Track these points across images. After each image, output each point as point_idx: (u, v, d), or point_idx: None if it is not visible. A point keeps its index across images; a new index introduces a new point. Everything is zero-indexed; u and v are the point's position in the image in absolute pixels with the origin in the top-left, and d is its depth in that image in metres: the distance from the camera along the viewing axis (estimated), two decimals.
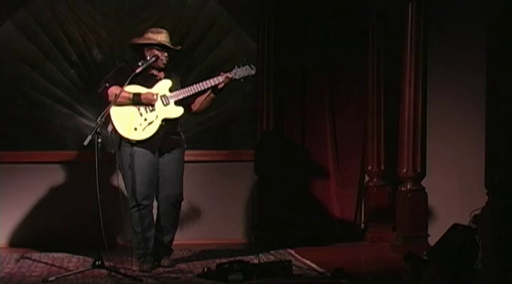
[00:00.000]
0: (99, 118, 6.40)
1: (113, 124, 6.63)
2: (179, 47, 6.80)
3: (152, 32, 6.71)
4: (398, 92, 7.60)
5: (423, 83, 7.42)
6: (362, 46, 8.32)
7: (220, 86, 6.69)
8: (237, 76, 6.71)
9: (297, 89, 8.32)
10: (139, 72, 6.63)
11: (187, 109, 6.81)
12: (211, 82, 6.67)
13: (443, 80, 7.97)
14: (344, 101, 8.37)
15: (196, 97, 6.76)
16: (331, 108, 8.34)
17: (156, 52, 6.67)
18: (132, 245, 6.75)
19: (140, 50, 6.73)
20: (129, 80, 6.52)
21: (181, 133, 6.83)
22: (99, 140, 6.33)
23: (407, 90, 7.43)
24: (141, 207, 6.64)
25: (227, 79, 6.67)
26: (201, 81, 6.69)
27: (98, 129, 6.33)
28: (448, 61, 8.04)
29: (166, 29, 6.81)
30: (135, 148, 6.62)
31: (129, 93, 6.60)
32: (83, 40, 8.23)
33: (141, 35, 6.79)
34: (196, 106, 6.83)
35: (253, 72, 6.75)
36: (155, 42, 6.66)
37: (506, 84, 6.35)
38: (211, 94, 6.75)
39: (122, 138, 6.63)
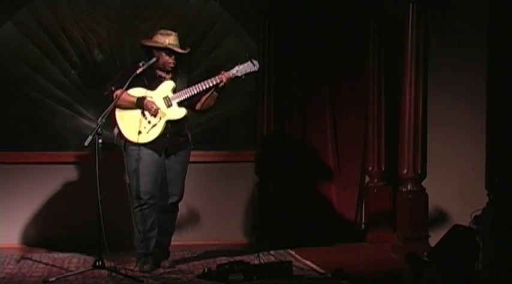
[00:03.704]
0: (100, 118, 6.41)
1: (118, 127, 6.65)
2: (187, 51, 6.74)
3: (161, 34, 6.69)
4: (399, 93, 7.60)
5: (424, 84, 7.42)
6: (362, 46, 8.33)
7: (221, 85, 6.68)
8: (238, 74, 6.67)
9: (297, 90, 8.32)
10: (145, 73, 6.63)
11: (192, 108, 6.81)
12: (212, 81, 6.66)
13: (443, 81, 7.97)
14: (345, 102, 8.37)
15: (201, 96, 6.75)
16: (331, 109, 8.34)
17: (164, 55, 6.65)
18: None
19: (150, 51, 6.72)
20: (129, 81, 6.53)
21: (189, 134, 6.84)
22: (100, 141, 6.34)
23: (408, 91, 7.43)
24: (145, 206, 6.64)
25: (228, 79, 6.65)
26: (202, 80, 6.69)
27: (99, 130, 6.34)
28: (448, 61, 8.03)
29: (175, 31, 6.76)
30: (141, 148, 6.62)
31: (133, 96, 6.60)
32: (84, 40, 8.24)
33: (150, 36, 6.77)
34: (200, 105, 6.82)
35: (255, 68, 6.69)
36: (162, 45, 6.64)
37: (507, 84, 6.35)
38: (214, 93, 6.74)
39: (127, 141, 6.64)
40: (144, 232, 6.67)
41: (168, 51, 6.65)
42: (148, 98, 6.61)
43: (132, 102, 6.60)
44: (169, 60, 6.68)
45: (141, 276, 6.45)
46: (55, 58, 8.21)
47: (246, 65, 6.69)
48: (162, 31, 6.75)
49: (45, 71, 8.21)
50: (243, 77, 6.71)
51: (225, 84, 6.66)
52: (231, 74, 6.66)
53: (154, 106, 6.59)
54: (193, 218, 8.20)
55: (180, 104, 6.69)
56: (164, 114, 6.64)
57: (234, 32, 8.37)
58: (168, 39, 6.65)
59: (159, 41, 6.66)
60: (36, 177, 8.09)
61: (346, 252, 7.79)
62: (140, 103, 6.60)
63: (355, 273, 6.48)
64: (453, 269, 6.03)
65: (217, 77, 6.66)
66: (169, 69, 6.71)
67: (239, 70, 6.67)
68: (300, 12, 8.25)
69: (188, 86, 6.69)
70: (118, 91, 6.59)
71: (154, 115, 6.60)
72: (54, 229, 8.02)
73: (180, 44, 6.72)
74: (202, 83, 6.67)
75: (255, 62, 6.70)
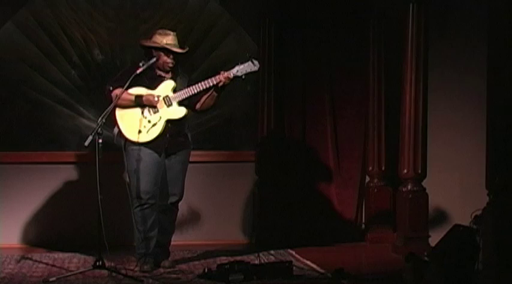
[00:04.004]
0: (100, 118, 6.41)
1: (118, 127, 6.65)
2: (185, 50, 6.74)
3: (159, 34, 6.69)
4: (399, 92, 7.60)
5: (424, 83, 7.42)
6: (363, 46, 8.32)
7: (220, 85, 6.68)
8: (238, 74, 6.67)
9: (297, 90, 8.32)
10: (145, 73, 6.63)
11: (192, 108, 6.82)
12: (212, 81, 6.66)
13: (444, 80, 7.97)
14: (345, 102, 8.37)
15: (201, 96, 6.76)
16: (331, 109, 8.34)
17: (163, 54, 6.66)
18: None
19: (149, 51, 6.72)
20: (129, 81, 6.53)
21: (188, 134, 6.84)
22: (100, 141, 6.34)
23: (408, 91, 7.43)
24: (146, 206, 6.64)
25: (227, 78, 6.65)
26: (203, 80, 6.69)
27: (99, 130, 6.34)
28: (448, 61, 8.04)
29: (173, 31, 6.76)
30: (141, 148, 6.63)
31: (131, 94, 6.61)
32: (84, 40, 8.23)
33: (149, 36, 6.77)
34: (200, 104, 6.82)
35: (256, 68, 6.68)
36: (159, 45, 6.64)
37: (507, 84, 6.35)
38: (214, 93, 6.74)
39: (127, 140, 6.64)
40: (144, 232, 6.67)
41: (166, 51, 6.65)
42: (145, 95, 6.59)
43: (131, 100, 6.61)
44: (168, 60, 6.68)
45: (141, 276, 6.45)
46: (55, 58, 8.21)
47: (246, 64, 6.69)
48: (160, 31, 6.76)
49: (45, 71, 8.20)
50: (244, 77, 6.71)
51: (223, 84, 6.67)
52: (231, 74, 6.66)
53: (155, 97, 6.58)
54: (194, 218, 8.20)
55: (180, 104, 6.70)
56: (163, 110, 6.64)
57: (234, 32, 8.36)
58: (166, 39, 6.66)
59: (157, 40, 6.67)
60: (36, 177, 8.09)
61: (346, 252, 7.79)
62: (139, 100, 6.60)
63: (355, 273, 6.49)
64: (453, 269, 6.02)
65: (217, 77, 6.66)
66: (168, 68, 6.72)
67: (239, 70, 6.67)
68: (300, 12, 8.25)
69: (188, 86, 6.70)
70: (117, 90, 6.60)
71: (155, 105, 6.58)
72: (55, 229, 8.02)
73: (179, 43, 6.72)
74: (202, 83, 6.67)
75: (256, 62, 6.70)
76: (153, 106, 6.64)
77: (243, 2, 8.30)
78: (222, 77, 6.63)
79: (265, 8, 8.20)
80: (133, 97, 6.61)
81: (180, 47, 6.71)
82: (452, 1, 8.05)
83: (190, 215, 8.14)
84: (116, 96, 6.56)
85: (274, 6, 8.19)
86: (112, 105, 6.53)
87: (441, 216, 7.97)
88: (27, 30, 8.14)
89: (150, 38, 6.74)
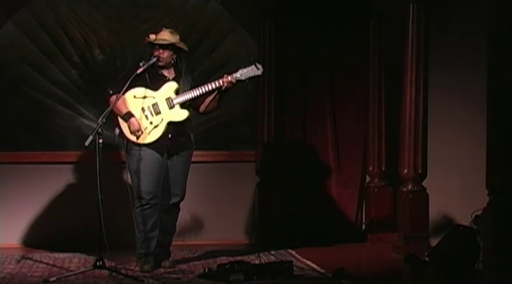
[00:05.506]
0: (100, 118, 6.41)
1: (120, 127, 6.65)
2: (167, 42, 6.62)
3: (153, 32, 6.70)
4: (399, 92, 7.60)
5: (424, 83, 7.42)
6: (363, 46, 8.33)
7: (223, 88, 6.68)
8: (241, 78, 6.67)
9: (298, 90, 8.33)
10: (147, 72, 6.62)
11: (195, 109, 6.81)
12: (215, 84, 6.66)
13: (444, 80, 7.97)
14: (345, 102, 8.38)
15: (204, 98, 6.76)
16: (332, 109, 8.35)
17: (155, 51, 6.66)
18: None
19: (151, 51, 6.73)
20: (129, 82, 6.52)
21: (191, 135, 6.84)
22: (100, 140, 6.34)
23: (408, 91, 7.43)
24: (147, 206, 6.64)
25: (230, 82, 6.65)
26: (206, 83, 6.68)
27: (99, 130, 6.34)
28: (449, 61, 8.04)
29: (170, 28, 6.75)
30: (143, 148, 6.62)
31: (126, 108, 6.59)
32: (84, 40, 8.24)
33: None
34: (204, 107, 6.82)
35: (259, 72, 6.69)
36: (147, 41, 6.65)
37: (507, 84, 6.36)
38: (217, 95, 6.74)
39: (128, 141, 6.64)
40: (145, 232, 6.67)
41: (159, 46, 6.63)
42: (133, 118, 6.57)
43: (121, 112, 6.60)
44: (157, 54, 6.65)
45: (141, 276, 6.44)
46: (55, 58, 8.22)
47: (249, 68, 6.69)
48: (156, 29, 6.75)
49: (45, 71, 8.21)
50: (247, 81, 6.72)
51: (226, 87, 6.66)
52: (234, 78, 6.66)
53: (139, 131, 6.56)
54: (196, 224, 8.20)
55: (182, 105, 6.70)
56: (165, 112, 6.64)
57: (235, 32, 8.37)
58: (158, 35, 6.64)
59: (148, 38, 6.66)
60: (36, 177, 8.10)
61: (346, 252, 7.80)
62: (126, 119, 6.59)
63: (355, 273, 6.48)
64: (453, 269, 6.03)
65: (220, 80, 6.66)
66: (160, 64, 6.68)
67: (243, 74, 6.67)
68: (300, 12, 8.25)
69: (192, 87, 6.69)
70: (115, 96, 6.57)
71: (137, 137, 6.59)
72: (55, 229, 8.02)
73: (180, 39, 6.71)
74: (205, 85, 6.66)
75: (259, 66, 6.70)
76: (154, 108, 6.64)
77: (243, 2, 8.31)
78: (225, 81, 6.63)
79: (265, 8, 8.20)
80: (124, 111, 6.59)
81: (165, 39, 6.64)
82: (452, 1, 8.05)
83: (193, 221, 8.16)
84: (116, 98, 6.55)
85: (274, 6, 8.19)
86: (110, 108, 6.52)
87: (441, 216, 7.97)
88: (27, 30, 8.14)
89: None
